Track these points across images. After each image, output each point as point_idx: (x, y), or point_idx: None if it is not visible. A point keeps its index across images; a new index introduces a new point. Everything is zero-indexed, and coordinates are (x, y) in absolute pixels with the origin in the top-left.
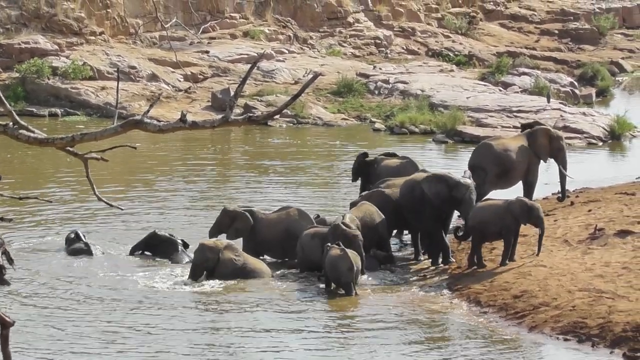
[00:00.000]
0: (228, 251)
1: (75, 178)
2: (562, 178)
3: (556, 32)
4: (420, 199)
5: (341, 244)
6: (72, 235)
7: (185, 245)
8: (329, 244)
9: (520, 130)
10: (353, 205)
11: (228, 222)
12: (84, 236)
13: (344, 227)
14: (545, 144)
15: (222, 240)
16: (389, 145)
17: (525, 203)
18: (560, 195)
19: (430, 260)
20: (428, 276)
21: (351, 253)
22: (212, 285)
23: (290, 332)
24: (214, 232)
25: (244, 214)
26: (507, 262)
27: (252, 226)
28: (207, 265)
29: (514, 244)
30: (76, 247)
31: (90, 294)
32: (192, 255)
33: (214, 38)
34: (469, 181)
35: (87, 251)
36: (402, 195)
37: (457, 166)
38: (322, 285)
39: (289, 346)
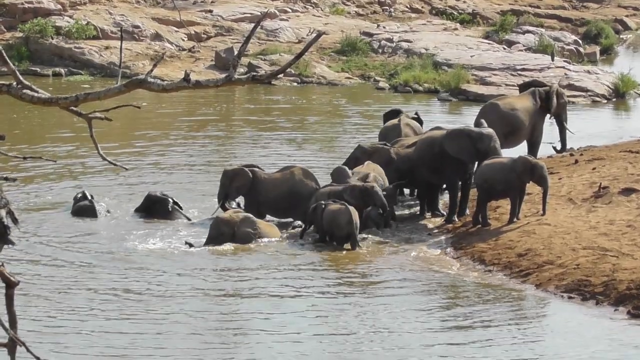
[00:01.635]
0: (244, 225)
1: (80, 137)
2: (564, 132)
3: None
4: (441, 155)
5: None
6: (80, 195)
7: (177, 205)
8: (323, 202)
9: (518, 90)
10: (363, 151)
11: (228, 183)
12: (92, 196)
13: (365, 185)
14: (561, 102)
15: (240, 212)
16: (393, 104)
17: (528, 161)
18: (561, 147)
19: (447, 215)
20: (432, 235)
21: (351, 208)
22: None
23: (295, 293)
24: (220, 196)
25: (241, 170)
26: (515, 220)
27: (254, 186)
28: (223, 239)
29: (520, 202)
30: (81, 205)
31: (93, 254)
32: (185, 214)
33: None
34: (491, 130)
35: (91, 210)
36: (420, 152)
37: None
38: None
39: (294, 307)
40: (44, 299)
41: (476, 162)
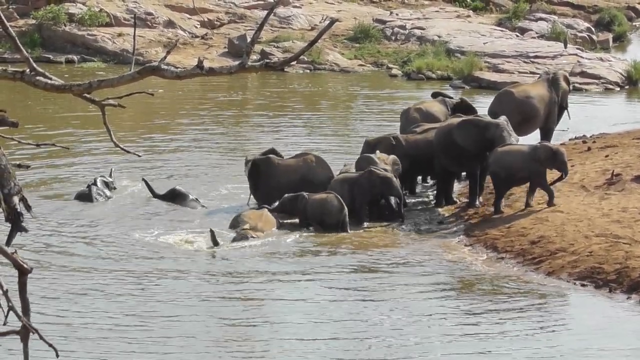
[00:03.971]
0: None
1: (93, 125)
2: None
3: None
4: (458, 142)
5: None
6: (92, 181)
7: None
8: (305, 192)
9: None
10: (368, 143)
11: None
12: (106, 183)
13: (380, 171)
14: (566, 88)
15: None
16: (406, 91)
17: (550, 148)
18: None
19: (469, 202)
20: (445, 223)
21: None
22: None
23: (307, 285)
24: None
25: (261, 159)
26: (553, 203)
27: (267, 171)
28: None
29: (535, 190)
30: (80, 192)
31: (99, 241)
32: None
33: None
34: (500, 120)
35: (87, 196)
36: (438, 140)
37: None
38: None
39: (306, 295)
40: (55, 286)
41: (488, 150)
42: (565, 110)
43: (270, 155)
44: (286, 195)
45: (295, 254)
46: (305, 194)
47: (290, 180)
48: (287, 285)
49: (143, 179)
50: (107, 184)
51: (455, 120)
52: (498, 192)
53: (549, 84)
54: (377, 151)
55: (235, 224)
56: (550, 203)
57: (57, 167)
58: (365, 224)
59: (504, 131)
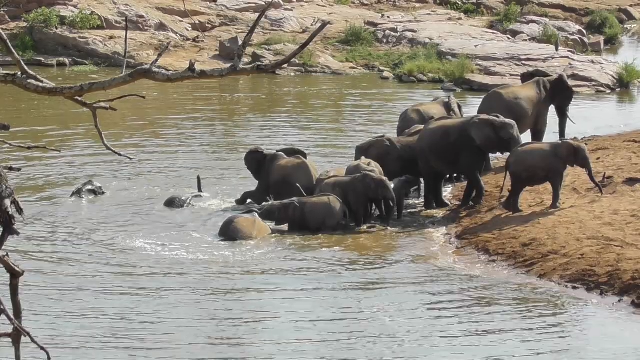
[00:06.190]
0: None
1: (86, 128)
2: (564, 122)
3: None
4: (457, 144)
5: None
6: (80, 187)
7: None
8: (295, 199)
9: (521, 80)
10: (359, 149)
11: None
12: (94, 190)
13: (373, 175)
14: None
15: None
16: (398, 94)
17: (572, 145)
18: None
19: (461, 203)
20: (437, 224)
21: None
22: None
23: (296, 286)
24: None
25: (271, 155)
26: (557, 204)
27: (268, 168)
28: None
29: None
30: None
31: (78, 245)
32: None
33: None
34: (512, 121)
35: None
36: (431, 142)
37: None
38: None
39: (300, 301)
40: (46, 290)
41: (500, 151)
42: (567, 117)
43: (279, 153)
44: (273, 203)
45: (288, 260)
46: (295, 201)
47: (274, 179)
48: (281, 295)
49: (198, 176)
50: (94, 192)
51: (450, 121)
52: (515, 191)
53: (539, 87)
54: (363, 157)
55: (229, 232)
56: (553, 205)
57: (47, 169)
58: (358, 228)
59: (517, 131)
